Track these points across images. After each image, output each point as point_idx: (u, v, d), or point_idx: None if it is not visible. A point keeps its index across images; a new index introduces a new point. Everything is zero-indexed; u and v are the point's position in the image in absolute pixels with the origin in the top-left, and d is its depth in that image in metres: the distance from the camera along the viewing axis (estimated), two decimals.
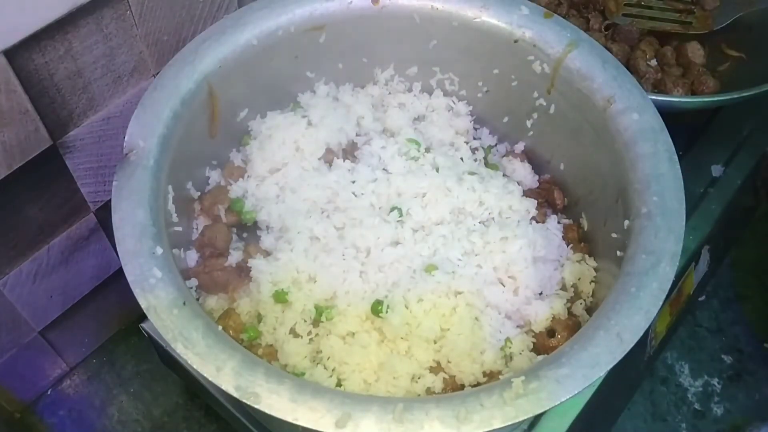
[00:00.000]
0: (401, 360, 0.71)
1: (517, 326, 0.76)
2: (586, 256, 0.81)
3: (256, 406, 0.57)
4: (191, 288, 0.74)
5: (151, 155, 0.71)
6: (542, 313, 0.76)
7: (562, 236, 0.83)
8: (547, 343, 0.74)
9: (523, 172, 0.90)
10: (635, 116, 0.76)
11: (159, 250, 0.65)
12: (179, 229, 0.76)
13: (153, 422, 1.05)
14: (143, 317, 0.77)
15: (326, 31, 0.86)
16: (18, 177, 0.81)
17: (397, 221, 0.79)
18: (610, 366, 0.60)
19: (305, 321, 0.74)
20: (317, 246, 0.78)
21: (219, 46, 0.80)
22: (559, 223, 0.84)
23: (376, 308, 0.71)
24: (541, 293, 0.78)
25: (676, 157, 0.73)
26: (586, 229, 0.84)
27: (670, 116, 0.77)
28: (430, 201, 0.81)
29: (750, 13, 1.11)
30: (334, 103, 0.89)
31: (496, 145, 0.94)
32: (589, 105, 0.80)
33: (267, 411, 0.57)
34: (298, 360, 0.72)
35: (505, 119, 0.90)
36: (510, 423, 0.57)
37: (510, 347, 0.74)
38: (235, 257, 0.79)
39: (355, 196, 0.81)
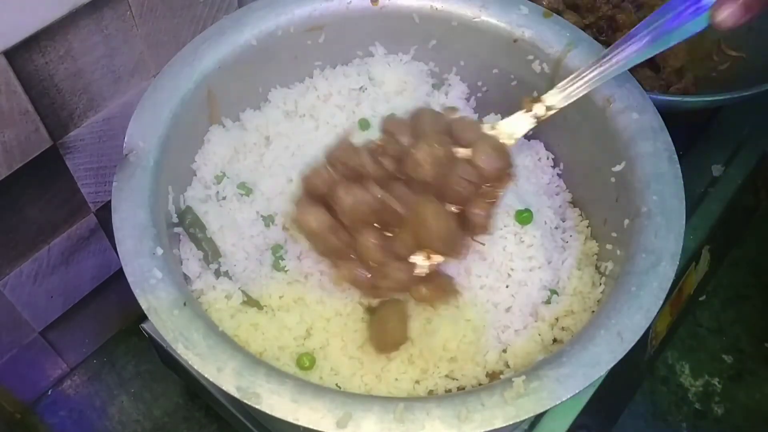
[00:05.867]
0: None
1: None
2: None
3: (257, 407, 0.57)
4: (193, 290, 0.74)
5: (151, 156, 0.71)
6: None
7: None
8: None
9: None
10: (635, 116, 0.75)
11: (159, 251, 0.65)
12: (179, 229, 0.76)
13: (153, 422, 1.05)
14: (144, 318, 0.78)
15: (325, 31, 0.86)
16: (18, 177, 0.81)
17: None
18: (611, 365, 0.60)
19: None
20: None
21: (218, 47, 0.79)
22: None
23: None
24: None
25: (676, 157, 0.73)
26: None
27: (670, 116, 0.77)
28: None
29: None
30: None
31: None
32: (588, 104, 0.79)
33: (268, 411, 0.57)
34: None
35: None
36: (511, 422, 0.57)
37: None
38: None
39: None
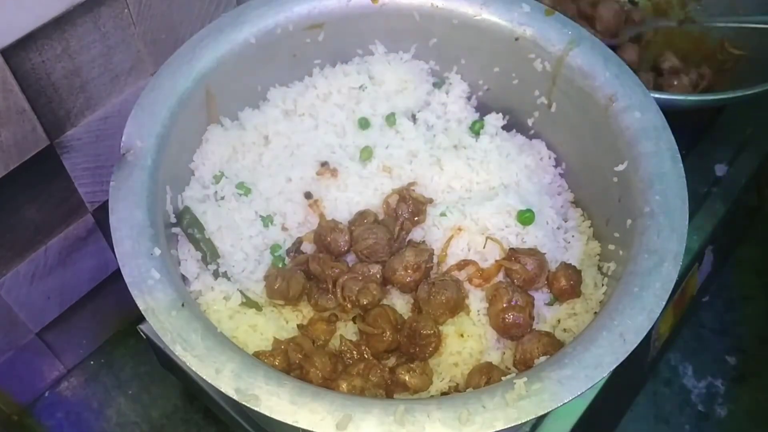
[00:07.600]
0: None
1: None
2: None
3: (256, 409, 0.56)
4: (191, 291, 0.74)
5: (149, 155, 0.70)
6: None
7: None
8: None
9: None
10: (637, 114, 0.75)
11: (157, 251, 0.64)
12: (177, 230, 0.76)
13: (151, 425, 1.04)
14: (141, 319, 0.77)
15: (325, 30, 0.85)
16: (15, 177, 0.80)
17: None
18: (614, 367, 0.59)
19: None
20: None
21: (217, 45, 0.79)
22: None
23: None
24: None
25: (678, 156, 0.72)
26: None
27: (673, 115, 0.76)
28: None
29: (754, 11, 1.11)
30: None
31: None
32: (590, 103, 0.79)
33: (267, 413, 0.56)
34: None
35: (506, 118, 0.89)
36: (512, 425, 0.56)
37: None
38: None
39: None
